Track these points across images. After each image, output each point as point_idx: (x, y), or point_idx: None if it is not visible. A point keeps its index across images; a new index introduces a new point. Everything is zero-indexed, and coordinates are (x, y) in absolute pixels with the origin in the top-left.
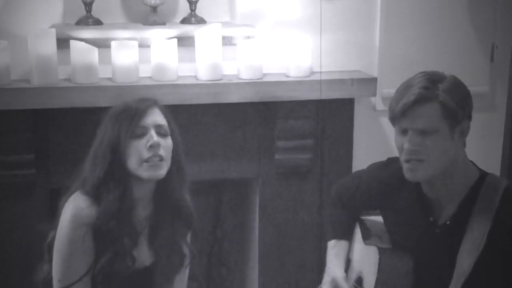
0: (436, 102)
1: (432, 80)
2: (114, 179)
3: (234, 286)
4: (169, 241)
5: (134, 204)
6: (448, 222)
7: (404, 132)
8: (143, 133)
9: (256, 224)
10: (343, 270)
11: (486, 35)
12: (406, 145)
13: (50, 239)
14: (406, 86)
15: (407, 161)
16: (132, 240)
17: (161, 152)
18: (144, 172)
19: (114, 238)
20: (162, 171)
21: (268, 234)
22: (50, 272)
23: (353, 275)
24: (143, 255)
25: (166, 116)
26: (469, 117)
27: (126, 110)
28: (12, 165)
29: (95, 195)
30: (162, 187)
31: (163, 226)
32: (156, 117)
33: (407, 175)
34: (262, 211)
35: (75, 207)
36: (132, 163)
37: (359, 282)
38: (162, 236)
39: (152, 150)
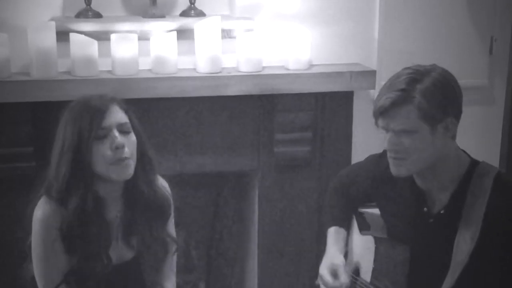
0: (411, 105)
1: (412, 80)
2: (79, 181)
3: (233, 278)
4: (146, 234)
5: (102, 204)
6: (442, 212)
7: (385, 130)
8: (106, 134)
9: (255, 216)
10: (342, 256)
11: (485, 28)
12: (386, 144)
13: (29, 242)
14: (389, 85)
15: (390, 157)
16: (105, 240)
17: (126, 151)
18: (112, 174)
19: (85, 241)
20: (130, 170)
21: (267, 226)
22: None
23: (350, 265)
24: (121, 251)
25: (126, 112)
26: (456, 114)
27: (84, 110)
28: (12, 158)
29: (61, 198)
30: (131, 183)
31: (137, 220)
32: (117, 115)
33: (392, 170)
34: (261, 204)
35: (42, 213)
36: (98, 166)
37: (356, 272)
38: (138, 230)
39: (117, 152)
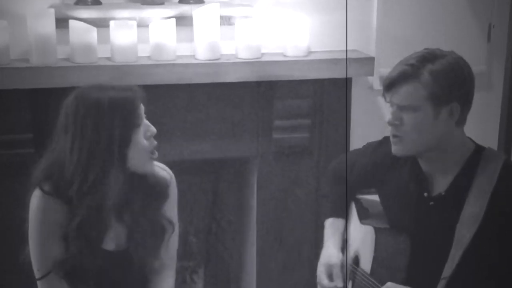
0: (418, 82)
1: (425, 58)
2: (108, 178)
3: (232, 264)
4: (141, 216)
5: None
6: (442, 193)
7: (390, 104)
8: (141, 122)
9: (254, 202)
10: (340, 251)
11: (483, 15)
12: (387, 118)
13: (27, 227)
14: (403, 59)
15: (391, 135)
16: (103, 226)
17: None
18: (147, 164)
19: (83, 229)
20: (153, 163)
21: (265, 213)
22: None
23: (350, 255)
24: (116, 237)
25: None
26: (462, 101)
27: (118, 99)
28: (11, 144)
29: (66, 194)
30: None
31: (133, 206)
32: (142, 104)
33: (392, 149)
34: (259, 190)
35: (39, 205)
36: (134, 156)
37: (356, 261)
38: (134, 215)
39: (151, 140)
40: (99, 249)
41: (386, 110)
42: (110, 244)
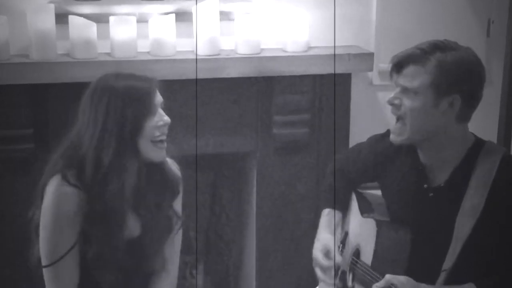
0: (423, 67)
1: (436, 46)
2: (122, 164)
3: (231, 260)
4: (155, 209)
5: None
6: (442, 185)
7: (395, 85)
8: (155, 111)
9: (254, 197)
10: (333, 238)
11: (482, 11)
12: (389, 96)
13: (36, 220)
14: (415, 45)
15: (391, 113)
16: (121, 216)
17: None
18: (157, 153)
19: (102, 220)
20: (165, 153)
21: (265, 208)
22: None
23: (351, 248)
24: (131, 226)
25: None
26: (465, 96)
27: (133, 88)
28: (11, 139)
29: (92, 187)
30: (154, 163)
31: (148, 195)
32: (159, 94)
33: (390, 137)
34: (259, 185)
35: (60, 196)
36: (144, 144)
37: (356, 254)
38: (148, 205)
39: (163, 130)
40: (115, 237)
41: (385, 106)
42: (125, 233)
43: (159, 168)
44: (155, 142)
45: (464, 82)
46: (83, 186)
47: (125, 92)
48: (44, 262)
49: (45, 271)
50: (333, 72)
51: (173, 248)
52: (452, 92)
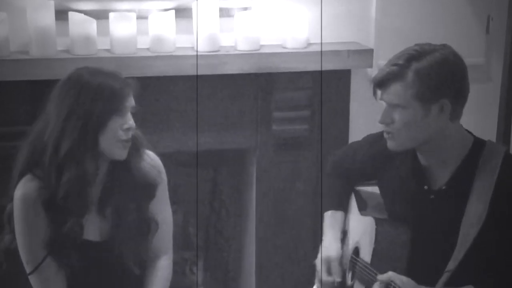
0: (404, 81)
1: (411, 57)
2: (83, 154)
3: (231, 256)
4: (124, 212)
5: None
6: (443, 187)
7: (382, 101)
8: (123, 114)
9: (253, 194)
10: (338, 244)
11: (481, 7)
12: (380, 116)
13: (8, 210)
14: (391, 58)
15: (385, 132)
16: (81, 210)
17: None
18: (116, 152)
19: (64, 211)
20: (127, 152)
21: (265, 204)
22: (11, 242)
23: (350, 246)
24: (102, 229)
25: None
26: (453, 96)
27: (107, 86)
28: (11, 136)
29: (49, 174)
30: (119, 163)
31: (117, 198)
32: (132, 98)
33: (387, 144)
34: (259, 182)
35: (26, 192)
36: (104, 142)
37: (356, 252)
38: (116, 208)
39: (127, 133)
40: (82, 239)
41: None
42: (94, 234)
43: (125, 167)
44: (118, 142)
45: (448, 83)
46: (48, 178)
47: (97, 88)
48: (27, 269)
49: (30, 278)
50: (332, 69)
51: (158, 247)
52: (439, 97)
